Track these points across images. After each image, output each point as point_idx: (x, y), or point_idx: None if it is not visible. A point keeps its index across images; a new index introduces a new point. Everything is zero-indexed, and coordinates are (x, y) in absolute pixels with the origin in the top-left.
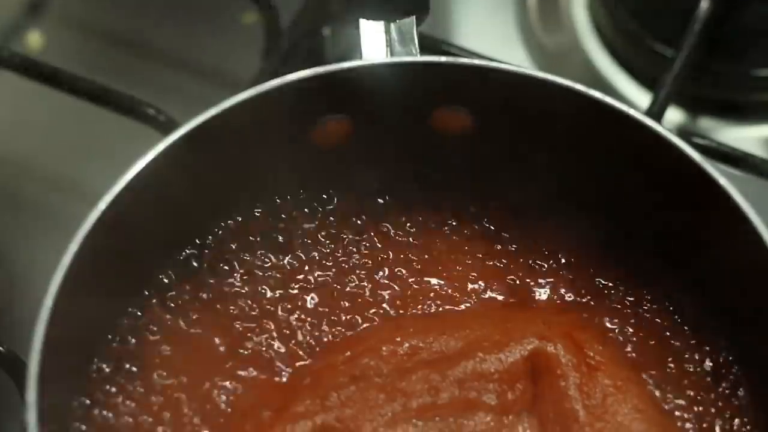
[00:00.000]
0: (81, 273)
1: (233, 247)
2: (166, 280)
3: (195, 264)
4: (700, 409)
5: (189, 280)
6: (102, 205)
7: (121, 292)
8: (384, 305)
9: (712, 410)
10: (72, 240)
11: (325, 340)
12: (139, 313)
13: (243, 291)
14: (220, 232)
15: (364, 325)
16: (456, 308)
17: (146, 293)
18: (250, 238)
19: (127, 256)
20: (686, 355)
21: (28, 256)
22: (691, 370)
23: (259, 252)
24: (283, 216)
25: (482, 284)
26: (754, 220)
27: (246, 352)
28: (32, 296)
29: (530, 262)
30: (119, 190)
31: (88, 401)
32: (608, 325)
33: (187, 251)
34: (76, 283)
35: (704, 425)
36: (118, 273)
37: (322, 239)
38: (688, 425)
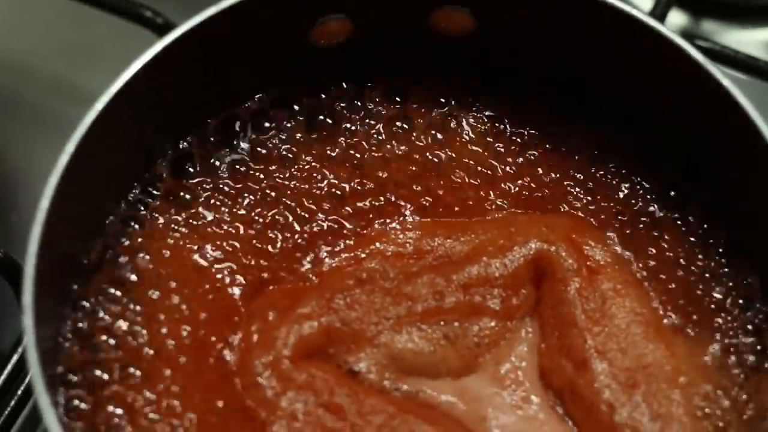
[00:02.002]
0: (77, 174)
1: (224, 148)
2: (163, 176)
3: (190, 163)
4: (698, 313)
5: (185, 175)
6: (99, 105)
7: (116, 191)
8: (385, 202)
9: (711, 310)
10: (68, 141)
11: (329, 239)
12: (135, 212)
13: (243, 184)
14: (212, 130)
15: (367, 227)
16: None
17: (142, 191)
18: (244, 135)
19: (123, 155)
20: (685, 257)
21: (26, 159)
22: (689, 270)
23: (258, 148)
24: (283, 110)
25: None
26: (756, 120)
27: (249, 250)
28: (29, 199)
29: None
30: (116, 91)
31: (83, 303)
32: (608, 227)
33: (185, 145)
34: (73, 184)
35: (703, 328)
36: (113, 172)
37: (322, 146)
38: (687, 330)
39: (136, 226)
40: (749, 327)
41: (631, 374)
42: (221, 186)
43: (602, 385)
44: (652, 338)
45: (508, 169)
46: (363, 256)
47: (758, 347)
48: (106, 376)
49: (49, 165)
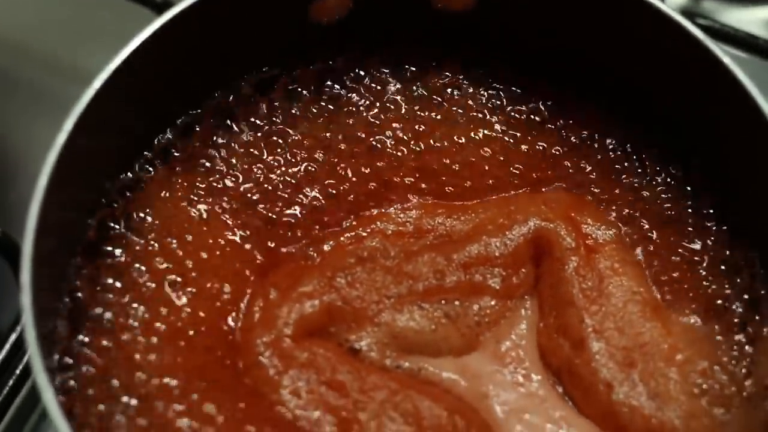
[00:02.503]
0: (75, 152)
1: (221, 121)
2: (161, 153)
3: (188, 140)
4: (695, 291)
5: (183, 153)
6: (97, 83)
7: (114, 168)
8: (385, 183)
9: (708, 287)
10: (67, 119)
11: (330, 218)
12: (133, 188)
13: (244, 159)
14: (209, 108)
15: (368, 204)
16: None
17: (140, 168)
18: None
19: (121, 133)
20: (683, 234)
21: (24, 138)
22: (686, 247)
23: (256, 121)
24: (282, 87)
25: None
26: (756, 97)
27: (250, 230)
28: (28, 178)
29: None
30: (114, 68)
31: (83, 280)
32: (607, 205)
33: (183, 122)
34: (71, 162)
35: (699, 305)
36: (111, 150)
37: (323, 108)
38: (684, 308)
39: (135, 203)
40: (746, 302)
41: (628, 353)
42: (220, 164)
43: (599, 364)
44: (649, 317)
45: (507, 147)
46: (364, 234)
47: (754, 322)
48: (105, 352)
49: (47, 143)
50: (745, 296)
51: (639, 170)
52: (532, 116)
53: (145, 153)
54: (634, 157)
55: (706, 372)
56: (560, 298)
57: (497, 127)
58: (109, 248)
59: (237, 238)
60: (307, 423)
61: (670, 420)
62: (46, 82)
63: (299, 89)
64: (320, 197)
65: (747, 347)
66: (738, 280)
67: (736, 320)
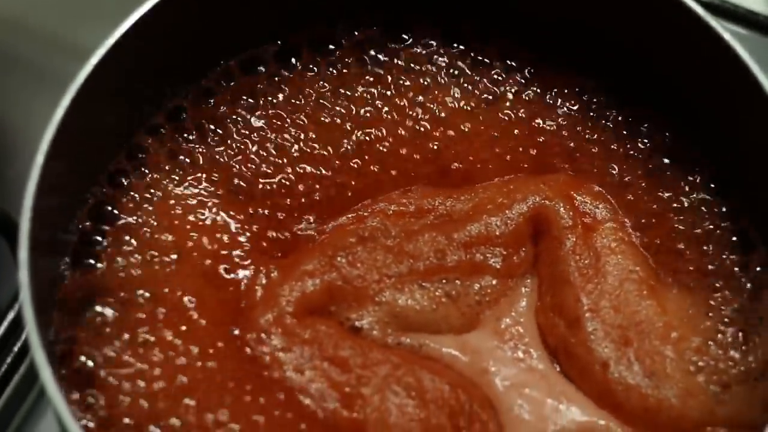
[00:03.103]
0: (73, 128)
1: (216, 100)
2: (159, 128)
3: (185, 115)
4: (689, 269)
5: (181, 127)
6: (94, 59)
7: (112, 143)
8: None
9: (704, 264)
10: (64, 95)
11: (331, 198)
12: (131, 164)
13: (243, 138)
14: (209, 82)
15: (368, 189)
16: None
17: (138, 143)
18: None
19: (118, 109)
20: (680, 212)
21: (22, 115)
22: (682, 225)
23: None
24: (279, 63)
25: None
26: (756, 73)
27: (250, 207)
28: (26, 155)
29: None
30: (112, 44)
31: (80, 256)
32: (605, 184)
33: (181, 97)
34: (69, 138)
35: (694, 282)
36: (109, 126)
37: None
38: (679, 286)
39: (133, 178)
40: (743, 279)
41: (624, 332)
42: (219, 143)
43: (594, 343)
44: (645, 296)
45: (504, 127)
46: (365, 214)
47: (752, 299)
48: (103, 329)
49: (46, 121)
50: (743, 273)
51: (639, 148)
52: (529, 97)
53: (141, 128)
54: (634, 135)
55: (701, 349)
56: (557, 276)
57: (492, 105)
58: (106, 227)
59: (238, 219)
60: (311, 399)
61: (666, 398)
62: (45, 60)
63: (294, 69)
64: (321, 179)
65: (744, 325)
66: (736, 257)
67: (732, 297)
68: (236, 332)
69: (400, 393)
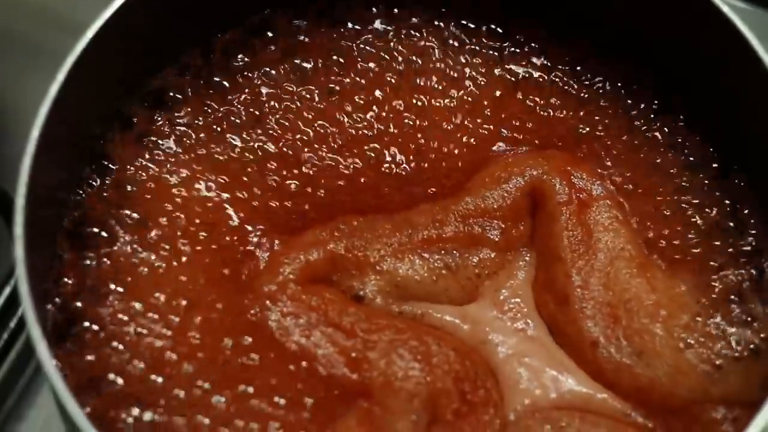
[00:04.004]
0: (68, 103)
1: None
2: (152, 103)
3: (179, 90)
4: (680, 247)
5: (176, 101)
6: (89, 33)
7: (106, 118)
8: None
9: (698, 244)
10: (60, 70)
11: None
12: (126, 138)
13: (246, 114)
14: (194, 59)
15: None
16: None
17: (131, 118)
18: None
19: (112, 83)
20: (677, 191)
21: (17, 91)
22: (677, 204)
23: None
24: (263, 38)
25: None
26: (756, 47)
27: (248, 179)
28: (21, 131)
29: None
30: (107, 18)
31: (76, 230)
32: (603, 162)
33: (175, 71)
34: (64, 113)
35: (685, 259)
36: (103, 100)
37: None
38: (671, 264)
39: (128, 152)
40: (732, 260)
41: (613, 310)
42: (216, 113)
43: (583, 323)
44: (635, 274)
45: (500, 102)
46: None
47: (740, 279)
48: (101, 302)
49: (41, 96)
50: (736, 254)
51: (638, 127)
52: (530, 73)
53: (135, 102)
54: (633, 113)
55: (690, 326)
56: (549, 252)
57: (486, 82)
58: (104, 197)
59: (238, 194)
60: (318, 364)
61: (657, 377)
62: (40, 35)
63: (279, 45)
64: (319, 155)
65: (736, 304)
66: (730, 239)
67: (724, 277)
68: (240, 301)
69: (406, 357)
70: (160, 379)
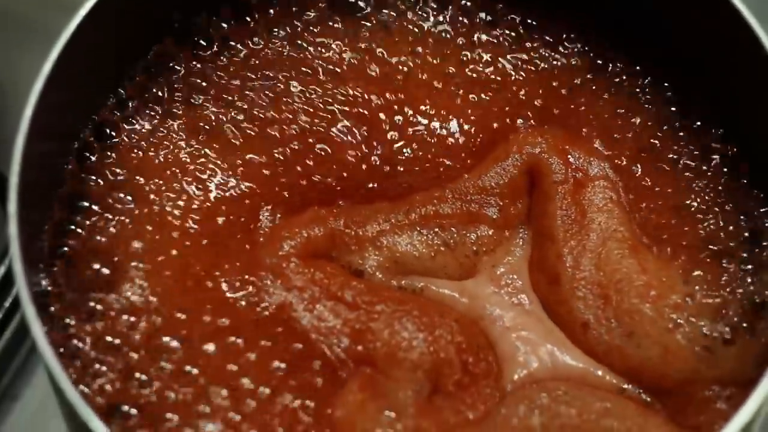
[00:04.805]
0: (61, 81)
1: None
2: (146, 80)
3: (174, 64)
4: (669, 227)
5: (169, 78)
6: (83, 11)
7: (101, 95)
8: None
9: (689, 225)
10: (53, 47)
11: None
12: (119, 116)
13: (239, 91)
14: (189, 38)
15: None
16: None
17: (125, 95)
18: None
19: (106, 61)
20: (672, 171)
21: (13, 71)
22: (670, 184)
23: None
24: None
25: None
26: (756, 29)
27: (244, 153)
28: (14, 109)
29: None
30: None
31: (70, 208)
32: (601, 141)
33: (169, 45)
34: (58, 91)
35: (683, 245)
36: (97, 78)
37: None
38: (661, 245)
39: (121, 129)
40: (726, 241)
41: (603, 290)
42: (207, 91)
43: (574, 303)
44: (627, 255)
45: (510, 83)
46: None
47: (733, 260)
48: (96, 282)
49: (34, 74)
50: (729, 236)
51: (636, 108)
52: (519, 55)
53: (132, 80)
54: (635, 96)
55: (680, 306)
56: (543, 231)
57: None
58: (96, 177)
59: (225, 168)
60: (321, 336)
61: (648, 358)
62: (33, 13)
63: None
64: (314, 127)
65: (730, 283)
66: (724, 220)
67: (717, 256)
68: (241, 274)
69: (410, 328)
70: (155, 351)
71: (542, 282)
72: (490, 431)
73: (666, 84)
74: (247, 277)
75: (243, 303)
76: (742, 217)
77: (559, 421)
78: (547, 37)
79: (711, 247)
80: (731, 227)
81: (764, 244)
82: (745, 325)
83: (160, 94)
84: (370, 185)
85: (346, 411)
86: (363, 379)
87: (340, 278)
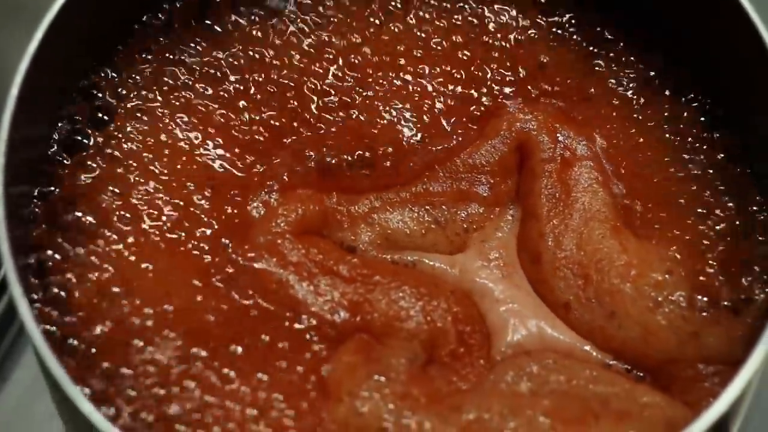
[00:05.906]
0: (48, 60)
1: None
2: (132, 58)
3: (160, 45)
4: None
5: (160, 59)
6: None
7: (85, 75)
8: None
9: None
10: (38, 27)
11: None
12: (106, 95)
13: (231, 72)
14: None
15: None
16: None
17: (111, 74)
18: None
19: (92, 41)
20: (665, 160)
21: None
22: (667, 174)
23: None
24: None
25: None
26: (756, 22)
27: (238, 133)
28: (1, 92)
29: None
30: None
31: (56, 188)
32: (594, 123)
33: (156, 22)
34: (43, 71)
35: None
36: (82, 58)
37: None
38: (644, 225)
39: (109, 108)
40: (707, 221)
41: (584, 269)
42: (186, 77)
43: (555, 282)
44: (608, 235)
45: (505, 56)
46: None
47: (714, 239)
48: (84, 259)
49: (20, 54)
50: (711, 215)
51: (635, 98)
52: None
53: (114, 58)
54: (630, 81)
55: (660, 284)
56: (528, 209)
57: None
58: (81, 157)
59: (218, 144)
60: (320, 309)
61: (630, 338)
62: None
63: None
64: (320, 110)
65: (713, 263)
66: (710, 200)
67: (700, 236)
68: (234, 252)
69: (406, 297)
70: (148, 324)
71: (526, 261)
72: (478, 397)
73: (664, 73)
74: (241, 254)
75: (234, 281)
76: (726, 198)
77: (548, 387)
78: (554, 18)
79: (695, 227)
80: (717, 210)
81: (748, 229)
82: (726, 303)
83: (148, 72)
84: (361, 164)
85: (335, 370)
86: (360, 342)
87: (335, 253)
